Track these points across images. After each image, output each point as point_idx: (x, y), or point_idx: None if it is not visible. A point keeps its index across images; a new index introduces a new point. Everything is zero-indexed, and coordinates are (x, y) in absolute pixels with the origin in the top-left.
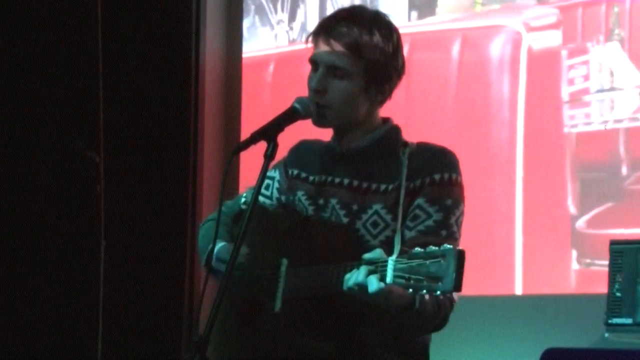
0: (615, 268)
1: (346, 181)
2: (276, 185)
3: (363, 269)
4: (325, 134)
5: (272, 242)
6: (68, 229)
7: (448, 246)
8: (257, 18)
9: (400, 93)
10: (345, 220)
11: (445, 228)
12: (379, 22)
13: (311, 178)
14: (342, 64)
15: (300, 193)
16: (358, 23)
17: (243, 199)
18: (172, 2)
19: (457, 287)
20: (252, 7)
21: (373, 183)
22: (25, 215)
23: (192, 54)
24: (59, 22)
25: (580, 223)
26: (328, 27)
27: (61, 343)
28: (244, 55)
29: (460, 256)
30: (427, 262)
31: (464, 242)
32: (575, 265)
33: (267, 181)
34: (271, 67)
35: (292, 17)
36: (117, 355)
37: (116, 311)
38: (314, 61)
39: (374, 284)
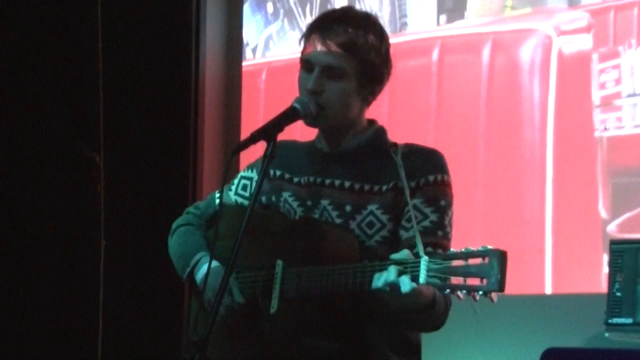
0: (615, 268)
1: (338, 182)
2: (254, 185)
3: (393, 269)
4: (312, 134)
5: (264, 243)
6: (68, 229)
7: (489, 247)
8: (286, 22)
9: (431, 95)
10: (338, 220)
11: (441, 228)
12: (371, 24)
13: (297, 179)
14: (339, 64)
15: (286, 194)
16: (352, 23)
17: (217, 201)
18: (172, 1)
19: (502, 287)
20: (281, 11)
21: (368, 184)
22: (25, 215)
23: (192, 53)
24: (59, 22)
25: (612, 227)
26: (323, 27)
27: (61, 343)
28: (276, 58)
29: (504, 257)
30: (467, 262)
31: (495, 242)
32: (606, 269)
33: (244, 182)
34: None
35: None
36: (117, 355)
37: (116, 311)
38: (309, 61)
39: (406, 284)
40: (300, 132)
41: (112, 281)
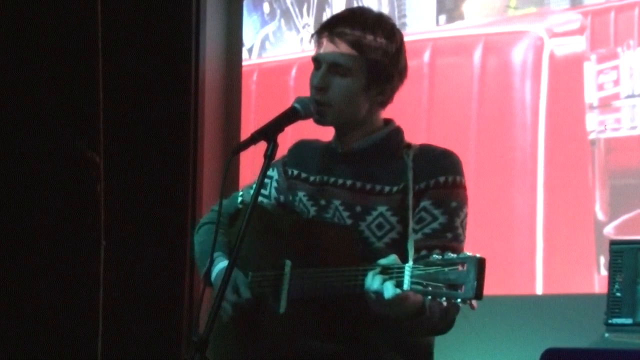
0: (615, 268)
1: (348, 182)
2: (274, 184)
3: (378, 277)
4: (326, 134)
5: (274, 242)
6: (68, 229)
7: (468, 254)
8: (282, 22)
9: (422, 98)
10: (348, 221)
11: (451, 230)
12: (381, 23)
13: (311, 178)
14: (344, 61)
15: (301, 194)
16: (361, 23)
17: (240, 198)
18: (172, 1)
19: (479, 294)
20: (278, 12)
21: (377, 184)
22: (25, 215)
23: (192, 53)
24: (59, 22)
25: (609, 229)
26: (331, 27)
27: (61, 343)
28: (268, 59)
29: (481, 264)
30: (446, 269)
31: (486, 244)
32: (603, 272)
33: (265, 180)
34: (293, 72)
35: (318, 21)
36: (117, 355)
37: (116, 311)
38: (317, 60)
39: (389, 290)
40: (292, 132)
41: (112, 281)
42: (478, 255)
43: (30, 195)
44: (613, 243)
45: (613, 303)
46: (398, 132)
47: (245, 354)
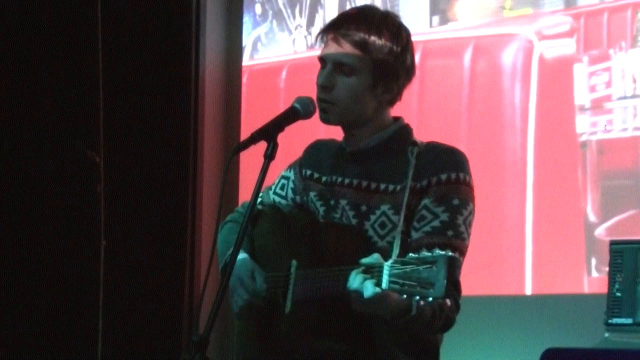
0: (615, 268)
1: (355, 182)
2: (291, 185)
3: (359, 275)
4: (336, 134)
5: (285, 243)
6: (68, 229)
7: (440, 252)
8: (274, 23)
9: (412, 100)
10: (354, 221)
11: (452, 228)
12: (387, 22)
13: (323, 179)
14: (349, 60)
15: (312, 194)
16: (366, 22)
17: (260, 199)
18: (172, 1)
19: (448, 293)
20: (270, 13)
21: (381, 183)
22: (25, 215)
23: (193, 53)
24: (59, 22)
25: (600, 231)
26: (336, 26)
27: (61, 343)
28: (259, 61)
29: (451, 262)
30: (420, 267)
31: (476, 246)
32: (594, 273)
33: (282, 181)
34: (284, 73)
35: (310, 22)
36: (117, 355)
37: (116, 311)
38: (322, 59)
39: (369, 289)
40: (284, 133)
41: (112, 281)
42: (450, 253)
43: (31, 195)
44: (613, 243)
45: (613, 303)
46: (405, 129)
47: (257, 353)
